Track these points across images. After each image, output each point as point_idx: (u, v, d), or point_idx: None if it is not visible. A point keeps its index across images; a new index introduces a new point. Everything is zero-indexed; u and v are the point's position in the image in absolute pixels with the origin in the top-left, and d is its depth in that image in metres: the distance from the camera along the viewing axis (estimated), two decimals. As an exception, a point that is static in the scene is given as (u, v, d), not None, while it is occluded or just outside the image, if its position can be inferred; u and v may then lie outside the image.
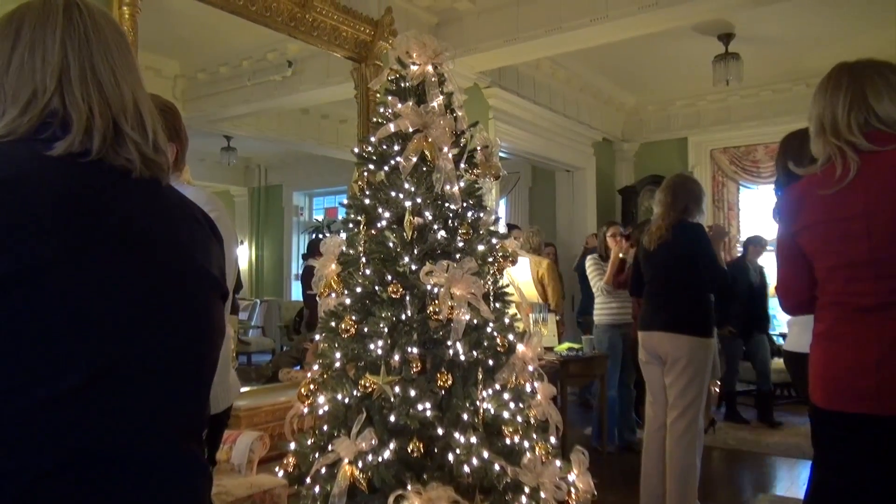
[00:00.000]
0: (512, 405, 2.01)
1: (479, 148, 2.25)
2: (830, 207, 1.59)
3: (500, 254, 2.17)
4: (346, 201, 2.21)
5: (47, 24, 0.92)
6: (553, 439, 2.13)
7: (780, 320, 6.34)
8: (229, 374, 1.98)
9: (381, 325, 1.97)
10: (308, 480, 1.97)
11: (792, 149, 3.30)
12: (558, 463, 2.02)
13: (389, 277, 2.00)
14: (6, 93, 0.92)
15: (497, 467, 1.87)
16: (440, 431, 1.90)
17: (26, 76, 0.91)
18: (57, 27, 0.92)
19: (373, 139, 2.16)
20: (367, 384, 1.91)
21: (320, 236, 5.00)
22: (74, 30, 0.93)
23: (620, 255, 4.79)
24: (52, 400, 0.81)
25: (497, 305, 2.14)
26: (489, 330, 2.03)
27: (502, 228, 2.26)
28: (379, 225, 2.08)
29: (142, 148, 0.94)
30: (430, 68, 2.14)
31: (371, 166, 2.18)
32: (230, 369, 2.00)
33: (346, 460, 1.84)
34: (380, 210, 2.08)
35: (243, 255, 6.92)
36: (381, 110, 2.18)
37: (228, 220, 1.96)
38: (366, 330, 1.98)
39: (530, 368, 2.10)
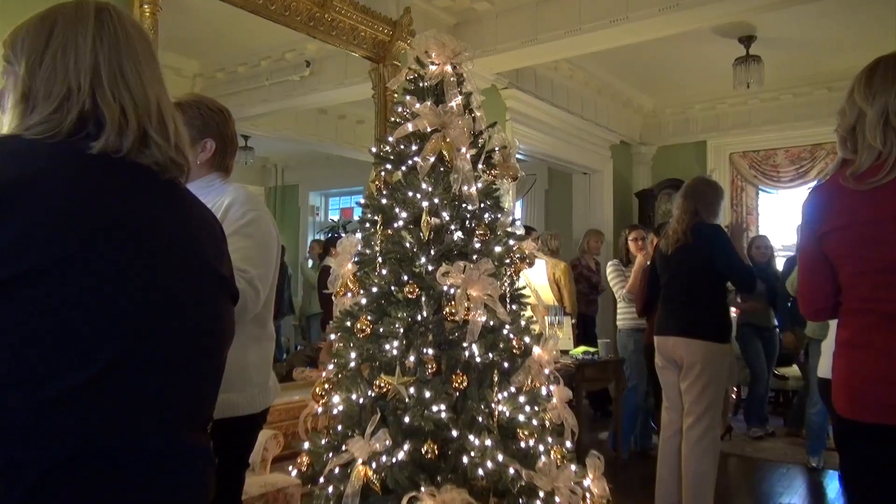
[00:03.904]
0: (527, 408, 1.99)
1: (496, 149, 2.23)
2: (858, 210, 1.55)
3: (517, 255, 2.16)
4: (362, 201, 2.20)
5: (79, 26, 0.96)
6: (568, 443, 2.11)
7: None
8: (270, 376, 1.95)
9: (397, 326, 1.96)
10: (321, 480, 1.96)
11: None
12: (573, 467, 1.99)
13: (405, 278, 2.00)
14: (37, 90, 0.94)
15: (511, 471, 1.85)
16: (455, 433, 1.89)
17: (59, 75, 0.94)
18: (89, 30, 0.96)
19: (390, 139, 2.15)
20: (382, 385, 1.90)
21: (341, 234, 4.99)
22: (105, 34, 0.97)
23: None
24: (68, 391, 0.83)
25: (513, 307, 2.12)
26: (505, 332, 2.01)
27: (519, 230, 2.24)
28: (396, 225, 2.07)
29: (165, 150, 0.98)
30: (448, 68, 2.13)
31: (388, 166, 2.17)
32: (270, 371, 1.96)
33: (360, 461, 1.83)
34: (396, 210, 2.07)
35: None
36: (399, 110, 2.17)
37: (270, 218, 1.89)
38: (381, 330, 1.97)
39: (546, 371, 2.08)
